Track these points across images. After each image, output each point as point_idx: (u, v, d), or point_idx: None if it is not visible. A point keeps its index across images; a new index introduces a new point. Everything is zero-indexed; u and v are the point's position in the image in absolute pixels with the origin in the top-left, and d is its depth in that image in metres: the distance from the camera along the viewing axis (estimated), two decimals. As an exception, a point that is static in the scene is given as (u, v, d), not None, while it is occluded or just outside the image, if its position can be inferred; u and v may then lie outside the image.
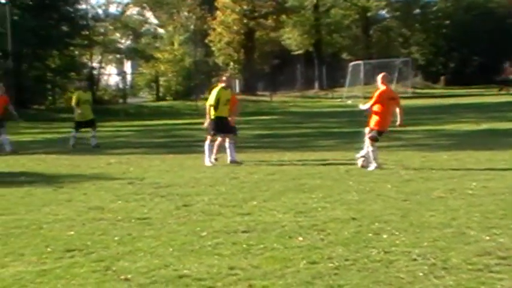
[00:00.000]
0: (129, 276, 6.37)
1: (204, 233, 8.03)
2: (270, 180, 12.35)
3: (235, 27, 56.41)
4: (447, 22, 65.75)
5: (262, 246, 7.34)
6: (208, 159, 15.12)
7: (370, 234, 7.76)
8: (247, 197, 10.56)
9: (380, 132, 13.85)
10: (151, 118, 36.69)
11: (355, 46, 64.09)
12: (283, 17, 58.87)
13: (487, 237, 7.46)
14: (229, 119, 15.58)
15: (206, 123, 15.48)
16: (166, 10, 64.72)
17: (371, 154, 13.62)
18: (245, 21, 56.27)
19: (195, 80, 53.31)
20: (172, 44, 55.83)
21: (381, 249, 7.04)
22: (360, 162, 13.85)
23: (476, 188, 10.79)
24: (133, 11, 66.71)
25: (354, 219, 8.61)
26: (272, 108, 44.71)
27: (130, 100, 51.48)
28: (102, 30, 58.88)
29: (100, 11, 60.12)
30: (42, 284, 6.26)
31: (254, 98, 51.14)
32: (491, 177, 11.92)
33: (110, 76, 59.43)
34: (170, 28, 59.62)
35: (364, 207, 9.40)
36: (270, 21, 57.94)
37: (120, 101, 50.59)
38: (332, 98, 52.30)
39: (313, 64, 61.61)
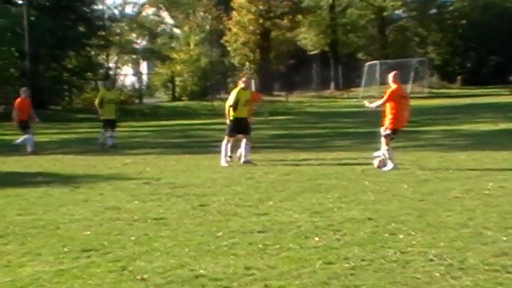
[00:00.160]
0: (145, 276, 6.38)
1: (220, 233, 8.03)
2: (285, 181, 12.35)
3: (251, 28, 56.46)
4: (464, 22, 65.35)
5: (278, 246, 7.34)
6: (224, 160, 15.15)
7: (387, 235, 7.73)
8: (263, 197, 10.56)
9: (395, 131, 13.82)
10: (167, 118, 36.78)
11: (371, 46, 63.89)
12: (299, 17, 58.83)
13: (504, 238, 7.41)
14: (248, 119, 15.64)
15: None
16: (182, 10, 64.95)
17: (387, 154, 13.59)
18: (261, 21, 56.31)
19: (211, 80, 53.43)
20: (188, 44, 55.97)
21: (397, 250, 7.02)
22: (376, 162, 13.83)
23: (493, 188, 10.72)
24: (149, 11, 67.09)
25: (370, 219, 8.59)
26: (288, 108, 44.63)
27: (146, 100, 51.68)
28: (118, 30, 59.31)
29: (116, 12, 60.66)
30: (59, 283, 6.29)
31: (270, 98, 51.08)
32: (509, 177, 11.85)
33: (126, 76, 59.72)
34: (186, 28, 59.79)
35: (380, 208, 9.37)
36: (285, 21, 57.95)
37: (136, 101, 50.80)
38: (348, 98, 52.11)
39: (329, 64, 61.46)
